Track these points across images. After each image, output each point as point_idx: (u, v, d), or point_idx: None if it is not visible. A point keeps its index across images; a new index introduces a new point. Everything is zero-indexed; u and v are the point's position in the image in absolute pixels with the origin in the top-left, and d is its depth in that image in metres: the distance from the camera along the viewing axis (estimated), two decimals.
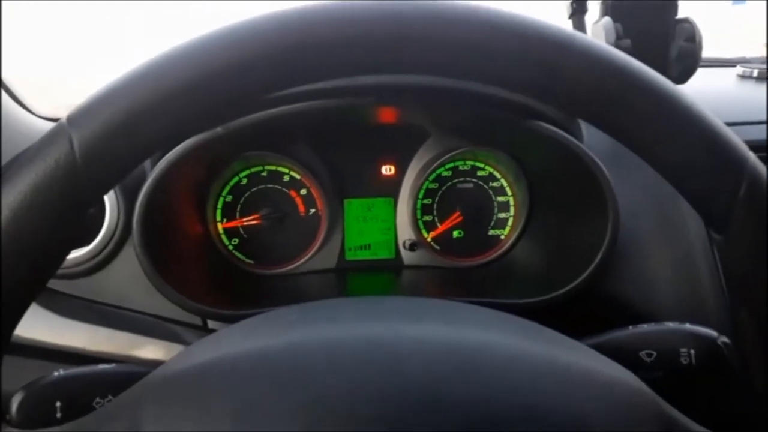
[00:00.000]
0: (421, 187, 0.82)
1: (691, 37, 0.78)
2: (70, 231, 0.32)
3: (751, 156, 0.33)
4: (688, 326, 0.49)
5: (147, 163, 0.70)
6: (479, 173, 0.83)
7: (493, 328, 0.38)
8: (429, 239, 0.84)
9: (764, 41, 1.14)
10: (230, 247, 0.80)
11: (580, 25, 0.88)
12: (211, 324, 0.71)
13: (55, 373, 0.45)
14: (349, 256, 0.84)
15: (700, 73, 0.81)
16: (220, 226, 0.80)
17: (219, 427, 0.30)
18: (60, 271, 0.59)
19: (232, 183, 0.79)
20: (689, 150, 0.32)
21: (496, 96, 0.68)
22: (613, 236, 0.67)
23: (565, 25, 0.35)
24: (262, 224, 0.80)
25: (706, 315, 0.68)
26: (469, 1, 0.32)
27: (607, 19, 0.79)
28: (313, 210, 0.82)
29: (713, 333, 0.48)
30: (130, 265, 0.68)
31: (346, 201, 0.83)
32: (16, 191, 0.30)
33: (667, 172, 0.34)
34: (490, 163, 0.83)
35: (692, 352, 0.47)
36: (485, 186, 0.83)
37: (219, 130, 0.65)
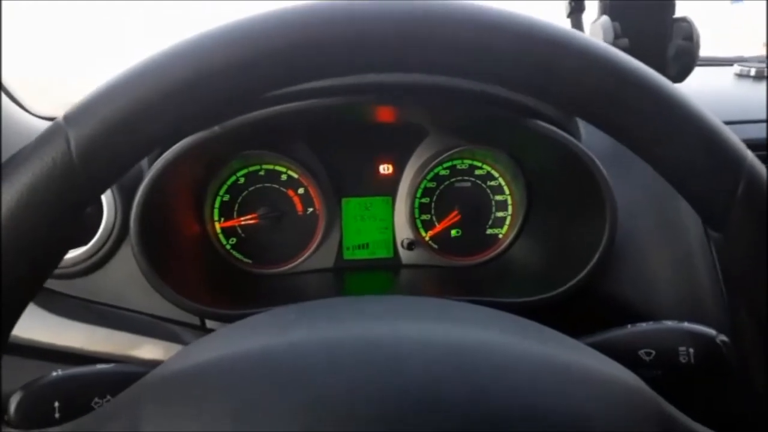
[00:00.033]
0: (419, 186, 0.82)
1: (688, 35, 0.79)
2: (67, 230, 0.32)
3: (750, 154, 0.33)
4: (686, 325, 0.49)
5: (144, 162, 0.70)
6: (477, 172, 0.83)
7: (493, 328, 0.38)
8: (427, 238, 0.84)
9: (763, 41, 1.14)
10: (228, 247, 0.80)
11: (577, 24, 0.88)
12: (209, 323, 0.71)
13: (54, 373, 0.45)
14: (347, 255, 0.84)
15: (698, 71, 0.81)
16: (217, 226, 0.80)
17: (218, 426, 0.30)
18: (57, 271, 0.59)
19: (229, 182, 0.79)
20: (688, 149, 0.32)
21: (494, 95, 0.68)
22: (610, 235, 0.67)
23: (563, 23, 0.35)
24: (260, 223, 0.80)
25: (704, 315, 0.68)
26: (469, 1, 0.32)
27: (605, 17, 0.79)
28: (310, 209, 0.82)
29: (712, 332, 0.48)
30: (127, 264, 0.68)
31: (344, 200, 0.83)
32: (13, 190, 0.29)
33: (665, 171, 0.34)
34: (488, 162, 0.83)
35: (691, 350, 0.47)
36: (483, 185, 0.83)
37: (216, 129, 0.65)
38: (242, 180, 0.79)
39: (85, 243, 0.69)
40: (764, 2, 1.08)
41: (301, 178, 0.80)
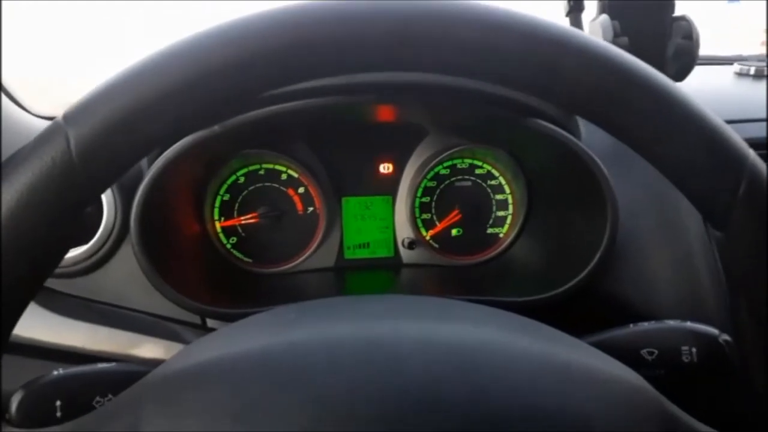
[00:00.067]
0: (419, 186, 0.82)
1: (688, 34, 0.79)
2: (67, 229, 0.32)
3: (751, 153, 0.33)
4: (689, 324, 0.48)
5: (144, 161, 0.70)
6: (477, 171, 0.83)
7: (493, 327, 0.38)
8: (428, 237, 0.84)
9: (762, 39, 1.14)
10: (228, 246, 0.80)
11: (576, 23, 0.88)
12: (210, 323, 0.71)
13: (55, 372, 0.45)
14: (348, 254, 0.84)
15: (698, 70, 0.81)
16: (218, 225, 0.80)
17: (219, 426, 0.30)
18: (58, 270, 0.59)
19: (229, 181, 0.79)
20: (689, 147, 0.32)
21: (495, 94, 0.68)
22: (612, 235, 0.67)
23: (562, 23, 0.35)
24: (260, 223, 0.80)
25: (706, 314, 0.68)
26: (469, 0, 0.32)
27: (604, 16, 0.79)
28: (311, 208, 0.82)
29: (715, 331, 0.48)
30: (127, 263, 0.68)
31: (344, 199, 0.83)
32: (13, 190, 0.29)
33: (667, 170, 0.34)
34: (489, 161, 0.83)
35: (694, 350, 0.47)
36: (483, 184, 0.83)
37: (216, 128, 0.65)
38: (242, 179, 0.79)
39: (86, 242, 0.69)
40: (761, 1, 1.08)
41: (301, 178, 0.80)
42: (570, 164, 0.69)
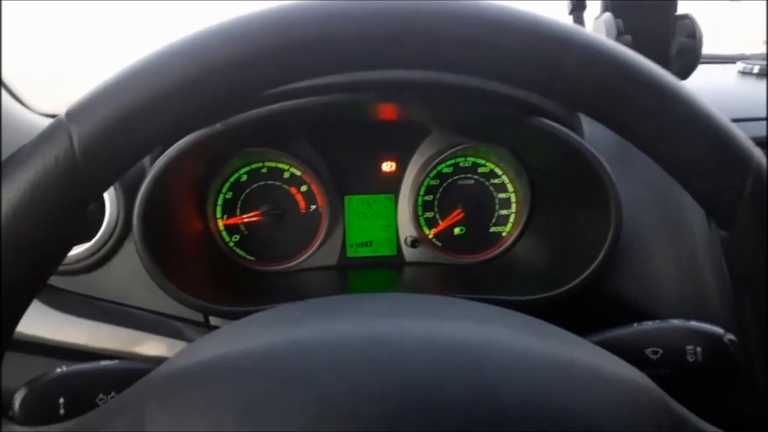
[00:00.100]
0: (422, 184, 0.81)
1: (691, 33, 0.78)
2: (70, 228, 0.31)
3: (757, 152, 0.33)
4: (694, 323, 0.48)
5: (146, 159, 0.70)
6: (480, 170, 0.83)
7: (496, 325, 0.37)
8: (430, 236, 0.84)
9: (763, 38, 1.13)
10: (231, 244, 0.80)
11: (579, 21, 0.88)
12: (213, 320, 0.71)
13: (58, 370, 0.45)
14: (351, 253, 0.84)
15: (701, 69, 0.80)
16: (220, 223, 0.80)
17: (222, 424, 0.30)
18: (61, 268, 0.59)
19: (232, 179, 0.79)
20: (693, 146, 0.32)
21: (497, 92, 0.68)
22: (615, 233, 0.67)
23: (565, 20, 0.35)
24: (263, 221, 0.80)
25: (710, 313, 0.68)
26: None
27: (607, 15, 0.78)
28: (313, 207, 0.81)
29: (720, 330, 0.48)
30: (130, 261, 0.68)
31: (346, 198, 0.83)
32: (15, 188, 0.29)
33: (671, 169, 0.34)
34: (491, 160, 0.83)
35: (699, 349, 0.47)
36: (486, 182, 0.83)
37: (218, 126, 0.64)
38: (245, 177, 0.79)
39: (89, 240, 0.69)
40: (762, 1, 1.08)
41: (304, 176, 0.80)
42: (573, 162, 0.69)
